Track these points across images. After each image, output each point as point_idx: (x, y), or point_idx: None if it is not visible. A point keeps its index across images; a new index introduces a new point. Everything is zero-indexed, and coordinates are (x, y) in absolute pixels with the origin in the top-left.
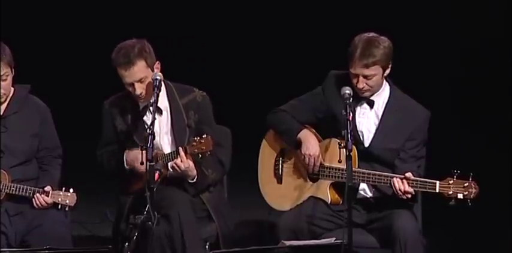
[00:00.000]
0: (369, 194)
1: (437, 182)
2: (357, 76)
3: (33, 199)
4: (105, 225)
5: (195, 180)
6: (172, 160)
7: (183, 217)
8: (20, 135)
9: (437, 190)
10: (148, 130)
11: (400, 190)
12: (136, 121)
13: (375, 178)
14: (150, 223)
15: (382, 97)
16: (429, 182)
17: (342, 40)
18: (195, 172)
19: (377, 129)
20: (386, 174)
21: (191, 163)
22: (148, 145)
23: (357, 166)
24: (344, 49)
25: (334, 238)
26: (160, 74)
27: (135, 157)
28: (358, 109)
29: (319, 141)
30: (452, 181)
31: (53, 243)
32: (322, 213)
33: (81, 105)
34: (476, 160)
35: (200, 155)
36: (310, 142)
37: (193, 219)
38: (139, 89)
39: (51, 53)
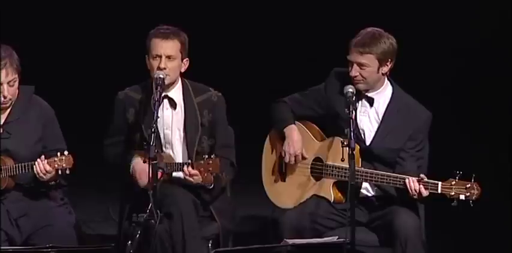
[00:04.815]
0: (371, 193)
1: (440, 183)
2: (352, 64)
3: (34, 167)
4: (108, 224)
5: (212, 186)
6: (177, 171)
7: (185, 216)
8: (24, 141)
9: (439, 191)
10: (152, 129)
11: (415, 190)
12: (148, 114)
13: (378, 177)
14: (152, 221)
15: (383, 96)
16: (431, 183)
17: (346, 38)
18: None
19: (378, 130)
20: (388, 174)
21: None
22: (151, 143)
23: (359, 166)
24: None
25: (337, 237)
26: (162, 73)
27: (142, 170)
28: (358, 107)
29: (322, 139)
30: (454, 182)
31: (59, 243)
32: (325, 212)
33: (85, 103)
34: (478, 162)
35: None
36: (292, 139)
37: (195, 218)
38: (164, 64)
39: (55, 52)
